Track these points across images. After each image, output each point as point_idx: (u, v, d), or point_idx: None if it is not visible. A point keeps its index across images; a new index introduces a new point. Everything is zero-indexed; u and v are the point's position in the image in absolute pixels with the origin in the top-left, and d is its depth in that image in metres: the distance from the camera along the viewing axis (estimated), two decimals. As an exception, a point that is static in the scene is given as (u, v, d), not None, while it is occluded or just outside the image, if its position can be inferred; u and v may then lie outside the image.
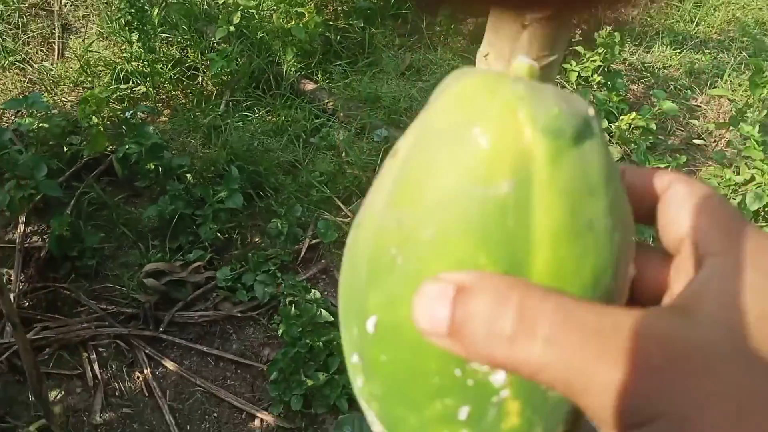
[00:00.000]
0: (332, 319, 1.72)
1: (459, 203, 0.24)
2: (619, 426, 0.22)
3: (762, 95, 2.33)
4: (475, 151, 0.24)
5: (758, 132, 2.19)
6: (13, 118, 2.30)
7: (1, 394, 1.67)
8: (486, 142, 0.24)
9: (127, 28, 2.31)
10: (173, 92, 2.48)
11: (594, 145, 0.25)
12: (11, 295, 1.81)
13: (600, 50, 2.58)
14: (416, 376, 0.26)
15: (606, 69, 2.67)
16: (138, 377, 1.76)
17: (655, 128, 2.51)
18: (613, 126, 2.45)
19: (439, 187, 0.25)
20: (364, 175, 2.21)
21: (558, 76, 2.74)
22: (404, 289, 0.25)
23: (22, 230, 1.96)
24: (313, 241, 2.03)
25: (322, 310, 1.71)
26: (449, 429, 0.26)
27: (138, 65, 2.43)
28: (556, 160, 0.24)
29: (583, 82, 2.68)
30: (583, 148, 0.25)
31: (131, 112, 2.04)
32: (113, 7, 2.56)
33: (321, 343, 1.68)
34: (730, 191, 2.21)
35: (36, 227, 2.01)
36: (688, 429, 0.21)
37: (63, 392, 1.70)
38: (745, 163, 2.26)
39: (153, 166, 2.02)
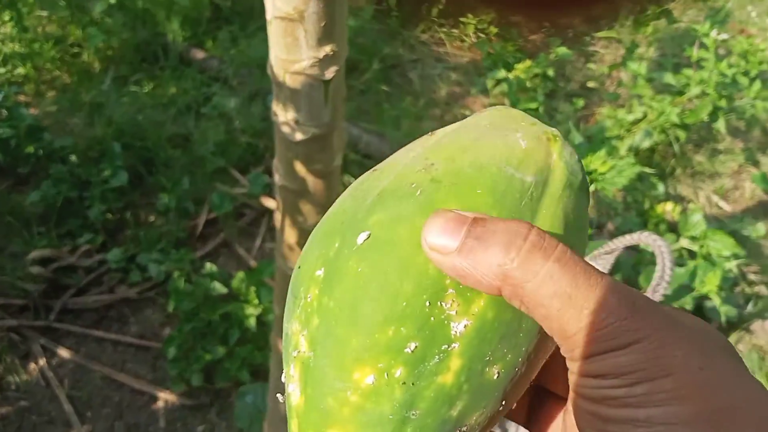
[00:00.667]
0: (226, 290, 1.69)
1: (492, 170, 0.29)
2: (589, 350, 0.25)
3: (646, 33, 2.38)
4: (515, 146, 0.30)
5: (645, 69, 2.24)
6: None
7: None
8: (525, 144, 0.30)
9: (-6, 6, 2.18)
10: (57, 72, 2.36)
11: (585, 197, 0.32)
12: None
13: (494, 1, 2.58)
14: (386, 294, 0.27)
15: (503, 20, 2.68)
16: (34, 368, 1.70)
17: (553, 75, 2.54)
18: (510, 76, 2.46)
19: (478, 155, 0.29)
20: (260, 141, 2.17)
21: (455, 30, 2.74)
22: (414, 213, 0.28)
23: None
24: (211, 216, 1.98)
25: (216, 283, 1.68)
26: (387, 360, 0.27)
27: (14, 46, 2.30)
28: (566, 189, 0.30)
29: (481, 35, 2.68)
30: (581, 196, 0.32)
31: (2, 94, 1.93)
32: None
33: (218, 317, 1.66)
34: (624, 131, 2.26)
35: None
36: (663, 355, 0.24)
37: (-50, 392, 1.63)
38: (637, 102, 2.31)
39: (33, 150, 1.93)
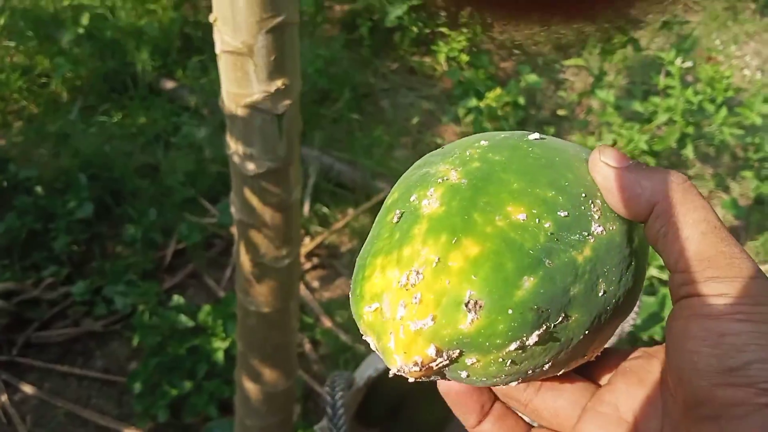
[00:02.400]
0: (193, 324, 1.66)
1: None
2: (724, 273, 0.28)
3: (614, 61, 2.42)
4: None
5: (613, 98, 2.27)
6: None
7: None
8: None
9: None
10: (23, 102, 2.33)
11: None
12: None
13: (465, 30, 2.61)
14: (553, 170, 0.32)
15: (474, 48, 2.71)
16: (-8, 407, 1.65)
17: (523, 103, 2.56)
18: (481, 104, 2.48)
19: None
20: (228, 170, 2.15)
21: (427, 58, 2.76)
22: (570, 144, 0.36)
23: None
24: (180, 246, 1.95)
25: (183, 316, 1.65)
26: (542, 211, 0.30)
27: (-21, 76, 2.27)
28: None
29: (453, 63, 2.71)
30: None
31: (-37, 126, 1.90)
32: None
33: (185, 351, 1.62)
34: (593, 158, 2.29)
35: None
36: None
37: None
38: (606, 129, 2.34)
39: (-4, 182, 1.89)
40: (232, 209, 0.92)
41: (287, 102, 0.79)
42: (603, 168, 0.31)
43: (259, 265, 0.95)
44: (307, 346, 1.81)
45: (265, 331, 1.06)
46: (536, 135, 0.34)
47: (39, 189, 1.92)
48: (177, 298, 1.75)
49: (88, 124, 2.22)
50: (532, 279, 0.28)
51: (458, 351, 0.28)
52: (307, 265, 2.01)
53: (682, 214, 0.29)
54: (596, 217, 0.31)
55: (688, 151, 2.08)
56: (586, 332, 0.30)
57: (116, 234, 1.98)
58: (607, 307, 0.31)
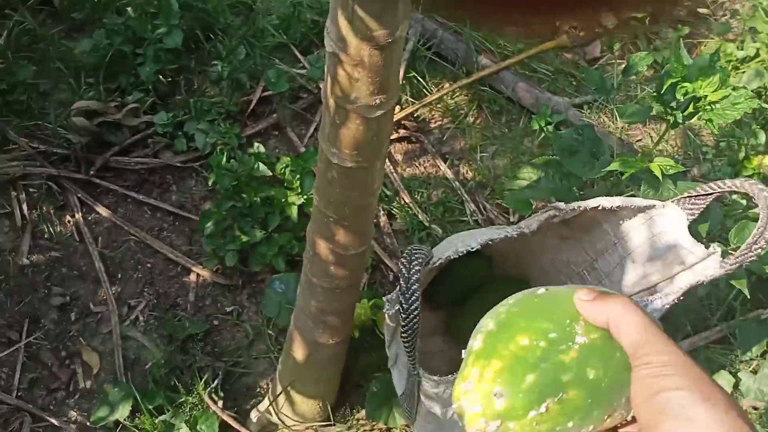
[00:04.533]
0: (270, 174, 1.60)
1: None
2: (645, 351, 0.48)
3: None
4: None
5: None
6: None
7: None
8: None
9: None
10: None
11: None
12: (-67, 128, 1.69)
13: None
14: (547, 310, 0.53)
15: None
16: (69, 221, 1.67)
17: (660, -7, 2.26)
18: (612, -13, 2.20)
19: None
20: (325, 20, 2.00)
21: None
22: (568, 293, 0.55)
23: (-52, 60, 1.80)
24: (265, 93, 1.86)
25: (260, 163, 1.58)
26: (537, 336, 0.51)
27: None
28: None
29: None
30: None
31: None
32: None
33: (258, 199, 1.57)
34: (731, 68, 2.01)
35: (-36, 57, 1.84)
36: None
37: (-12, 231, 1.62)
38: (750, 37, 2.03)
39: (88, -5, 1.82)
40: (326, 39, 0.80)
41: None
42: (579, 302, 0.51)
43: (347, 111, 0.84)
44: (383, 218, 1.74)
45: (346, 189, 0.96)
46: (542, 289, 0.56)
47: (130, 10, 1.84)
48: (257, 146, 1.69)
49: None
50: (532, 375, 0.48)
51: (499, 421, 0.48)
52: (394, 136, 1.89)
53: (619, 322, 0.49)
54: (579, 332, 0.50)
55: None
56: (590, 401, 0.49)
57: (203, 70, 1.91)
58: (601, 384, 0.49)
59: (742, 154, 1.88)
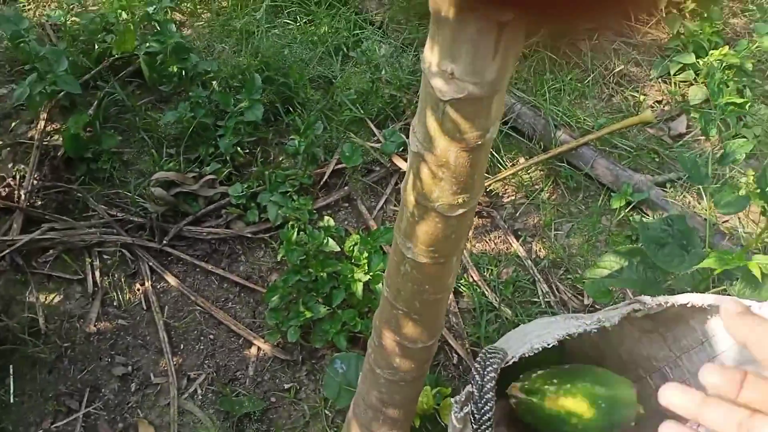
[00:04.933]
0: (338, 249, 1.57)
1: None
2: None
3: None
4: None
5: None
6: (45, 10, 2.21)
7: (1, 291, 1.63)
8: None
9: None
10: (214, -7, 2.32)
11: None
12: (22, 192, 1.76)
13: (697, -28, 2.21)
14: None
15: (703, -4, 2.30)
16: (138, 289, 1.68)
17: (751, 68, 2.15)
18: (700, 62, 2.11)
19: None
20: (404, 96, 2.00)
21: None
22: None
23: (42, 127, 1.89)
24: (338, 166, 1.86)
25: (329, 239, 1.56)
26: None
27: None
28: None
29: (673, 10, 2.32)
30: None
31: (154, 6, 1.89)
32: None
33: (325, 274, 1.54)
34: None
35: (57, 126, 1.93)
36: None
37: (62, 296, 1.65)
38: None
39: (176, 69, 1.89)
40: (411, 138, 0.76)
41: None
42: (725, 312, 0.46)
43: (427, 210, 0.80)
44: (450, 297, 1.67)
45: (418, 283, 0.91)
46: None
47: (215, 84, 1.89)
48: (327, 219, 1.67)
49: (272, 24, 2.16)
50: None
51: None
52: (466, 211, 1.84)
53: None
54: None
55: None
56: None
57: (280, 142, 1.93)
58: None
59: None
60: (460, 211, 0.80)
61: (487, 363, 0.86)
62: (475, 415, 0.83)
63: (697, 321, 1.03)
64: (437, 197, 0.78)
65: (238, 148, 1.84)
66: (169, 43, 1.84)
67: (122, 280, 1.68)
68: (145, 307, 1.65)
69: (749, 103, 1.96)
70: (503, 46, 0.62)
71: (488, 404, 0.83)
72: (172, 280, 1.68)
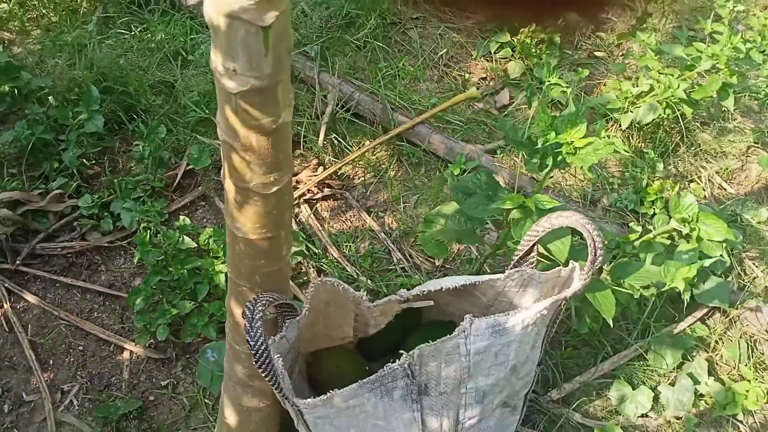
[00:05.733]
0: (195, 245, 1.64)
1: None
2: None
3: (662, 4, 2.25)
4: None
5: (654, 41, 2.13)
6: None
7: None
8: None
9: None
10: (43, 10, 2.28)
11: None
12: None
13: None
14: None
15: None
16: (-2, 313, 1.67)
17: (559, 41, 2.43)
18: (514, 40, 2.36)
19: None
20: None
21: (462, -13, 2.61)
22: None
23: None
24: (190, 167, 1.92)
25: (184, 236, 1.63)
26: None
27: (-2, -21, 2.21)
28: None
29: (488, -7, 2.56)
30: None
31: (-24, 29, 1.85)
32: None
33: (185, 271, 1.61)
34: (628, 104, 2.16)
35: None
36: None
37: None
38: (644, 75, 2.20)
39: (8, 89, 1.86)
40: (218, 130, 0.87)
41: (274, 13, 0.72)
42: None
43: (244, 190, 0.91)
44: (313, 274, 1.79)
45: (253, 259, 1.02)
46: None
47: (51, 99, 1.89)
48: (182, 219, 1.73)
49: (106, 35, 2.17)
50: None
51: None
52: (318, 195, 1.97)
53: None
54: None
55: (729, 103, 1.94)
56: None
57: (127, 150, 1.95)
58: None
59: (644, 182, 2.02)
60: (275, 188, 0.92)
61: (257, 302, 1.01)
62: (251, 343, 0.97)
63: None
64: (251, 178, 0.89)
65: (84, 161, 1.85)
66: (-3, 63, 1.81)
67: (-23, 306, 1.66)
68: (7, 329, 1.64)
69: (549, 75, 2.21)
70: (272, 43, 0.74)
71: (259, 331, 0.97)
72: (31, 299, 1.67)
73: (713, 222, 1.44)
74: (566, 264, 1.15)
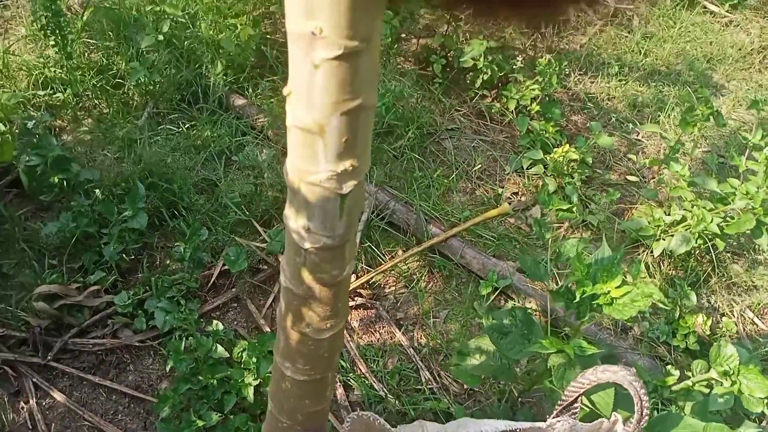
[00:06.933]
0: (227, 355, 1.64)
1: None
2: None
3: (693, 133, 2.31)
4: None
5: (689, 171, 2.16)
6: None
7: None
8: None
9: (43, 32, 2.20)
10: (96, 101, 2.38)
11: None
12: None
13: (539, 78, 2.54)
14: None
15: (547, 97, 2.64)
16: (23, 407, 1.65)
17: (591, 162, 2.48)
18: (547, 158, 2.41)
19: None
20: (285, 196, 2.13)
21: (497, 103, 2.70)
22: None
23: None
24: (225, 267, 1.94)
25: (218, 345, 1.62)
26: None
27: (56, 71, 2.32)
28: None
29: (522, 110, 2.64)
30: None
31: (34, 121, 1.93)
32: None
33: (215, 381, 1.60)
34: (660, 231, 2.18)
35: (-71, 240, 1.89)
36: None
37: (-65, 422, 1.59)
38: (676, 204, 2.23)
39: (58, 180, 1.92)
40: (282, 277, 0.89)
41: (353, 182, 0.75)
42: None
43: (300, 334, 0.91)
44: (339, 391, 1.77)
45: (298, 398, 1.02)
46: None
47: (98, 192, 1.94)
48: (216, 324, 1.74)
49: (155, 131, 2.25)
50: None
51: None
52: (350, 303, 1.97)
53: None
54: None
55: (763, 241, 1.95)
56: None
57: (166, 246, 1.98)
58: None
59: (677, 313, 2.00)
60: (329, 333, 0.92)
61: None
62: None
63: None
64: (308, 324, 0.90)
65: (123, 255, 1.88)
66: (49, 156, 1.88)
67: (4, 399, 1.64)
68: (30, 426, 1.62)
69: (575, 207, 2.24)
70: (347, 208, 0.77)
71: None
72: (58, 396, 1.66)
73: (755, 377, 1.41)
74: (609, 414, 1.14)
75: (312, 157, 0.72)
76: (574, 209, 2.22)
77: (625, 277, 1.18)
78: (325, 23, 0.60)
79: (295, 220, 0.80)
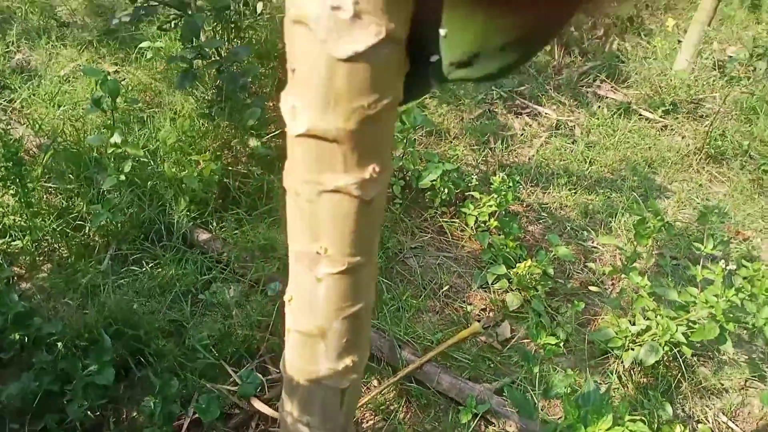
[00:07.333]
0: None
1: None
2: None
3: (647, 244, 2.41)
4: None
5: (648, 281, 2.24)
6: None
7: None
8: None
9: (3, 182, 2.18)
10: (55, 245, 2.34)
11: None
12: None
13: (495, 195, 2.63)
14: None
15: (504, 212, 2.73)
16: None
17: (552, 273, 2.54)
18: (510, 272, 2.46)
19: None
20: (257, 334, 2.10)
21: (457, 220, 2.78)
22: None
23: None
24: (195, 415, 1.87)
25: None
26: None
27: (15, 219, 2.29)
28: None
29: (481, 225, 2.71)
30: None
31: (-7, 278, 1.88)
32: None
33: None
34: (628, 342, 2.22)
35: None
36: None
37: None
38: (640, 313, 2.29)
39: (18, 336, 1.85)
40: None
41: (354, 376, 0.75)
42: None
43: None
44: None
45: None
46: None
47: (60, 346, 1.87)
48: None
49: (118, 275, 2.21)
50: None
51: None
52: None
53: None
54: None
55: (728, 347, 2.01)
56: None
57: (133, 397, 1.91)
58: None
59: (654, 426, 2.01)
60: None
61: None
62: None
63: None
64: None
65: (88, 412, 1.79)
66: (10, 313, 1.82)
67: None
68: None
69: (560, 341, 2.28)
70: (347, 401, 0.77)
71: None
72: None
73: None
74: None
75: (312, 357, 0.73)
76: (561, 344, 2.25)
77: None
78: (330, 245, 0.63)
79: (293, 414, 0.79)
